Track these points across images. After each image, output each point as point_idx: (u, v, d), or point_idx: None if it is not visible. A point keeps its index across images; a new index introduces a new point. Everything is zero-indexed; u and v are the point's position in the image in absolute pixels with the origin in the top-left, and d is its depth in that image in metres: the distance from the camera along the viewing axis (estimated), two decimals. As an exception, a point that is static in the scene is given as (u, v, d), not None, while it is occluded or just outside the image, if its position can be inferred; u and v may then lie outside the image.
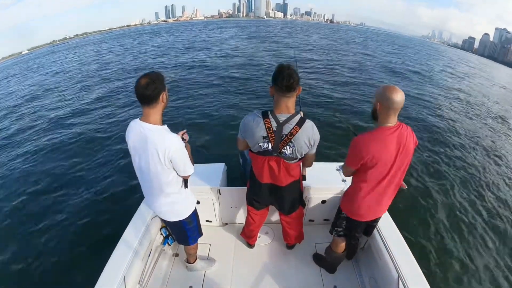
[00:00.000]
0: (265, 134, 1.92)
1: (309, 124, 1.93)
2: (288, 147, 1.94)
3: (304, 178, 2.42)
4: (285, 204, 2.44)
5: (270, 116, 1.90)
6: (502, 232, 4.74)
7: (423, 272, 2.10)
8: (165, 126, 1.84)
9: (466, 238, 4.48)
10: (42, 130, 8.96)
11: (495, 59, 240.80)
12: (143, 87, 1.65)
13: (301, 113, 2.34)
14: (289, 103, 1.89)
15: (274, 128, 1.90)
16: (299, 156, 2.03)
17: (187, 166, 1.93)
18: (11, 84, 18.63)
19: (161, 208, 2.14)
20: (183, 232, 2.36)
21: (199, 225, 2.45)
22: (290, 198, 2.38)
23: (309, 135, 1.93)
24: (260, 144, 1.97)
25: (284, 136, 1.90)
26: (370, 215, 2.15)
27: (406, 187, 2.13)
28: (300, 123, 1.89)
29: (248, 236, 2.95)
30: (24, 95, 14.09)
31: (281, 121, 1.89)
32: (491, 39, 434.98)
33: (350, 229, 2.30)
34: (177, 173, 1.96)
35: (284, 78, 1.76)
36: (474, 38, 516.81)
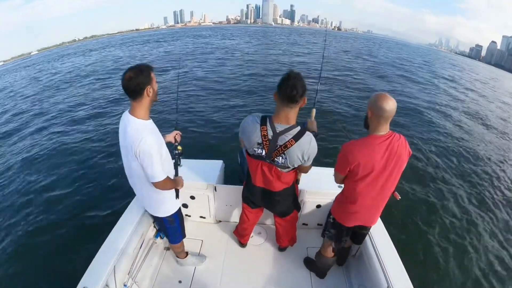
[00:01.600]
0: (260, 140, 1.89)
1: (306, 139, 1.85)
2: (280, 157, 1.91)
3: (297, 181, 2.36)
4: (277, 209, 2.45)
5: (268, 124, 1.86)
6: (498, 243, 4.64)
7: (413, 284, 2.09)
8: (150, 121, 1.83)
9: (459, 251, 4.37)
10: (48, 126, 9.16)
11: (502, 67, 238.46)
12: (126, 81, 1.64)
13: (313, 111, 2.43)
14: (290, 114, 1.82)
15: (270, 137, 1.86)
16: (291, 167, 2.01)
17: (154, 171, 1.79)
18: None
19: (143, 199, 2.19)
20: (164, 229, 2.40)
21: (182, 226, 2.43)
22: (283, 203, 2.36)
23: (303, 150, 1.86)
24: (254, 148, 1.95)
25: (278, 146, 1.86)
26: (357, 221, 2.14)
27: (400, 198, 2.10)
28: (297, 137, 1.83)
29: (240, 235, 2.94)
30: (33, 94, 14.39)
31: (277, 131, 1.84)
32: (498, 47, 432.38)
33: (337, 233, 2.30)
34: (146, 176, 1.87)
35: (287, 88, 1.67)
36: (481, 46, 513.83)
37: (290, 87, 1.66)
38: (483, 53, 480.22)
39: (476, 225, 5.01)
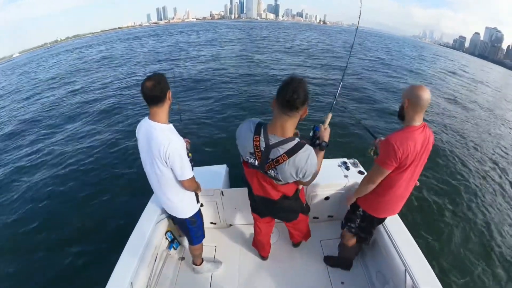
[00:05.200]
0: (252, 150, 1.71)
1: (303, 155, 1.61)
2: (272, 171, 1.72)
3: (297, 190, 2.07)
4: (282, 216, 2.31)
5: (262, 134, 1.66)
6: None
7: (431, 265, 2.11)
8: (171, 125, 1.90)
9: (475, 232, 4.50)
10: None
11: (486, 58, 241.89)
12: (150, 89, 1.73)
13: (329, 116, 2.19)
14: (287, 124, 1.58)
15: (262, 149, 1.66)
16: (285, 182, 1.79)
17: (184, 170, 1.91)
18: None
19: (165, 203, 2.24)
20: (187, 231, 2.41)
21: (203, 225, 2.49)
22: (286, 210, 2.17)
23: (298, 167, 1.63)
24: (247, 157, 1.79)
25: (270, 160, 1.67)
26: (388, 211, 2.19)
27: (419, 184, 2.15)
28: (291, 152, 1.60)
29: (258, 247, 2.85)
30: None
31: (270, 143, 1.63)
32: (482, 38, 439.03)
33: (366, 225, 2.31)
34: (176, 177, 1.98)
35: (287, 91, 1.44)
36: (464, 38, 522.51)
37: (290, 91, 1.44)
38: (467, 44, 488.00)
39: (491, 206, 5.27)
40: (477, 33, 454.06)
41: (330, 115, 2.16)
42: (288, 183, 1.80)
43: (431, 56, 42.15)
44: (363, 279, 2.64)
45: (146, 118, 1.88)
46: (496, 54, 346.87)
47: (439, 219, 4.62)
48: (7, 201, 5.43)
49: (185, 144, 1.90)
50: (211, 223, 3.26)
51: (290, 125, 1.58)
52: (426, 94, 1.74)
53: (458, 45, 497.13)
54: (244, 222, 3.30)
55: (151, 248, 2.49)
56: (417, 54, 38.65)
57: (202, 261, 2.73)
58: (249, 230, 3.18)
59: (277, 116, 1.57)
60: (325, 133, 1.96)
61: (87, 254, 4.02)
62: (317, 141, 1.95)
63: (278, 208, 2.10)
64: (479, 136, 9.11)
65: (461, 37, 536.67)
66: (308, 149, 1.62)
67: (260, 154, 1.68)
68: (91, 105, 10.83)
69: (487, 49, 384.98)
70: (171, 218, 2.51)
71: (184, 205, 2.22)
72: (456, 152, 7.34)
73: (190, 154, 2.20)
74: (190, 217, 2.28)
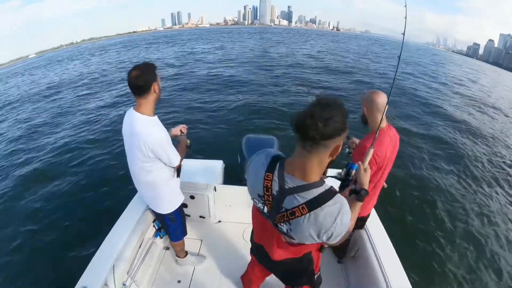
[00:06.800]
0: (261, 192, 1.24)
1: (331, 210, 1.07)
2: (285, 225, 1.20)
3: (321, 249, 1.54)
4: (279, 276, 1.73)
5: (276, 172, 1.18)
6: (498, 244, 4.49)
7: (412, 283, 2.05)
8: (155, 117, 1.85)
9: (459, 250, 4.25)
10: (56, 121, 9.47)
11: (500, 65, 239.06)
12: (134, 79, 1.68)
13: (371, 152, 1.56)
14: (309, 163, 1.07)
15: (274, 192, 1.18)
16: (300, 242, 1.26)
17: (171, 157, 1.90)
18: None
19: (145, 196, 2.25)
20: (166, 227, 2.40)
21: (183, 224, 2.46)
22: (287, 271, 1.63)
23: (321, 227, 1.09)
24: (255, 199, 1.32)
25: (284, 210, 1.16)
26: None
27: (386, 186, 2.22)
28: (314, 204, 1.08)
29: (245, 283, 2.29)
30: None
31: (285, 187, 1.14)
32: (496, 45, 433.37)
33: None
34: (165, 164, 1.97)
35: (300, 114, 0.98)
36: (478, 45, 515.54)
37: (305, 114, 0.96)
38: (481, 51, 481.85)
39: (475, 219, 4.94)
40: (491, 40, 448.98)
41: (372, 151, 1.55)
42: (304, 244, 1.26)
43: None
44: None
45: (131, 108, 1.83)
46: (510, 61, 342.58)
47: (424, 238, 4.33)
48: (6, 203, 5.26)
49: (167, 134, 1.87)
50: (200, 216, 3.21)
51: (314, 164, 1.07)
52: (380, 98, 1.81)
53: (472, 52, 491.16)
54: (233, 220, 3.23)
55: (137, 234, 2.46)
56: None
57: (186, 254, 2.71)
58: (237, 228, 3.08)
59: (296, 151, 1.10)
60: (366, 177, 1.40)
61: (73, 235, 4.10)
62: (353, 186, 1.42)
63: (277, 268, 1.63)
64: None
65: (475, 44, 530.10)
66: (339, 202, 1.09)
67: (271, 199, 1.20)
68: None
69: (501, 56, 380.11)
70: (152, 212, 2.48)
71: (163, 201, 2.18)
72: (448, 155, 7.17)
73: (188, 141, 2.23)
74: (169, 214, 2.23)
